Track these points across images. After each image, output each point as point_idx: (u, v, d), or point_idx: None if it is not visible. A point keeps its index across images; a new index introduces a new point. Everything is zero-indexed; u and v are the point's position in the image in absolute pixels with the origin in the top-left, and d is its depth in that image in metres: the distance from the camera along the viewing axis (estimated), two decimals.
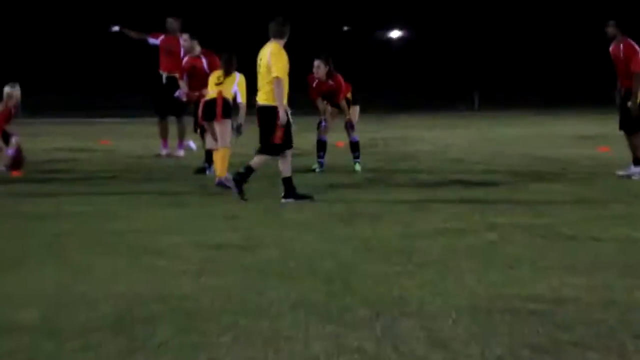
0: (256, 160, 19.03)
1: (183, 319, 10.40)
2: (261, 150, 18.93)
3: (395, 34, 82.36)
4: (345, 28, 44.88)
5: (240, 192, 18.83)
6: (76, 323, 10.28)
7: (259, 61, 18.91)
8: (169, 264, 13.30)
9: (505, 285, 11.96)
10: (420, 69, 46.31)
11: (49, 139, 30.21)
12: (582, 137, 30.99)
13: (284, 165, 18.96)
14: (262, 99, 18.93)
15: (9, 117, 22.49)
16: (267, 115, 18.80)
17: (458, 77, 47.81)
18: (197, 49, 25.16)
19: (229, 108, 20.91)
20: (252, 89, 19.87)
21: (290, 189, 18.98)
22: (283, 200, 18.76)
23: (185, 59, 25.51)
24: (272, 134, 18.73)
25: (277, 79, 18.58)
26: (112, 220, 16.99)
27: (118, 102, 43.40)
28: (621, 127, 21.91)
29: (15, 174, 22.25)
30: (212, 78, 21.63)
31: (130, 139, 32.16)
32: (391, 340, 9.63)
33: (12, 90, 22.30)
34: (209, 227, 16.32)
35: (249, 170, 18.96)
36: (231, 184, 19.95)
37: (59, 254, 14.07)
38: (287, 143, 18.86)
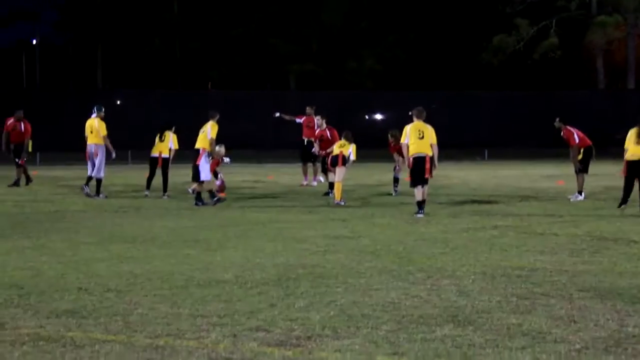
0: (424, 192, 18.22)
1: (315, 278, 10.59)
2: (424, 183, 18.22)
3: None
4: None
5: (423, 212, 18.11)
6: (254, 279, 10.51)
7: (419, 132, 18.07)
8: (308, 246, 13.46)
9: (502, 260, 12.06)
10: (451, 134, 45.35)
11: (239, 175, 30.34)
12: (549, 175, 30.65)
13: (421, 191, 18.14)
14: (425, 151, 18.08)
15: (218, 163, 22.75)
16: (424, 162, 18.07)
17: (474, 140, 47.19)
18: (324, 125, 25.42)
19: (345, 160, 21.08)
20: None
21: (422, 207, 18.16)
22: (419, 216, 17.90)
23: (317, 130, 25.72)
24: (426, 172, 18.05)
25: (435, 145, 18.27)
26: (275, 221, 17.10)
27: (277, 154, 43.35)
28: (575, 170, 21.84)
29: (222, 195, 22.49)
30: (338, 144, 21.66)
31: (285, 175, 32.27)
32: (436, 291, 9.81)
33: (220, 149, 22.46)
34: (331, 225, 16.41)
35: (423, 202, 18.25)
36: (343, 202, 20.26)
37: (245, 240, 14.25)
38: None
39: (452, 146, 47.18)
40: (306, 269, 11.18)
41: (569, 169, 22.59)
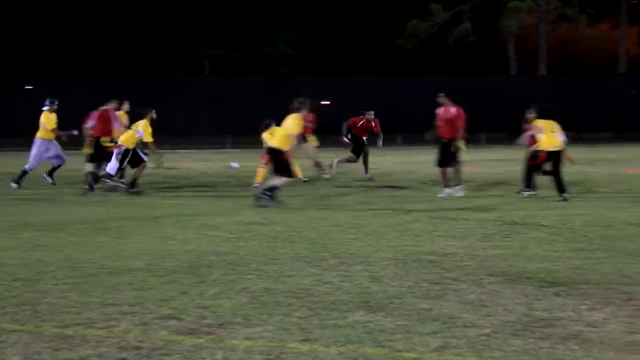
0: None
1: (227, 265, 10.55)
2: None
3: None
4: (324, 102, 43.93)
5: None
6: (166, 267, 10.43)
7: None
8: (221, 233, 13.42)
9: (414, 245, 12.12)
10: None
11: (152, 162, 30.10)
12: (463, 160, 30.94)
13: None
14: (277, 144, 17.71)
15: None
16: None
17: (388, 125, 47.16)
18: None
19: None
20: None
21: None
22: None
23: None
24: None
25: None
26: (188, 207, 17.06)
27: (191, 140, 43.04)
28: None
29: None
30: (267, 132, 20.08)
31: (199, 161, 32.11)
32: (348, 277, 9.81)
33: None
34: (244, 212, 16.37)
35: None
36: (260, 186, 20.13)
37: (156, 227, 14.17)
38: None
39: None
40: (219, 256, 11.14)
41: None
